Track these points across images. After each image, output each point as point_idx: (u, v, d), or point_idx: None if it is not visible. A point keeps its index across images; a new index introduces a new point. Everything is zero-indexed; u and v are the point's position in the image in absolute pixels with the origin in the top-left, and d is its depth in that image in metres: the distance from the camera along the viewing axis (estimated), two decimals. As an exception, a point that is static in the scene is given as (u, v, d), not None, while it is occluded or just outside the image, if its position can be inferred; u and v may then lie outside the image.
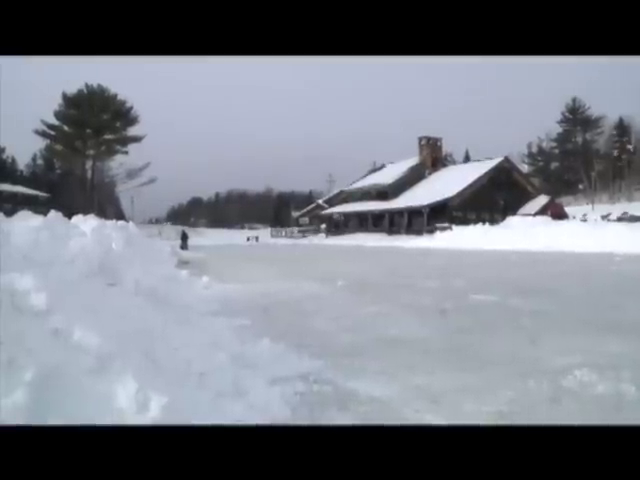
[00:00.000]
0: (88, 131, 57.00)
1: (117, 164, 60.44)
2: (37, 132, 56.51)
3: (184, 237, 32.28)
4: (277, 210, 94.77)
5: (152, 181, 61.14)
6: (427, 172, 46.50)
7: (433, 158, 47.39)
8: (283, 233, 63.61)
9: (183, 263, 14.44)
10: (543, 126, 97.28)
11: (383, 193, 45.25)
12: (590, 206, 54.03)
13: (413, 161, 47.85)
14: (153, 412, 1.97)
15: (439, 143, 48.64)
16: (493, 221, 31.64)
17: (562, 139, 79.57)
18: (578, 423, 2.37)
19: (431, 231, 32.87)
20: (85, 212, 10.16)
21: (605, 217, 37.29)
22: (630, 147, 70.17)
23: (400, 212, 41.06)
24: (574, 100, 78.07)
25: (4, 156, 71.44)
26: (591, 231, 19.05)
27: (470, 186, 38.44)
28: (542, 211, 36.53)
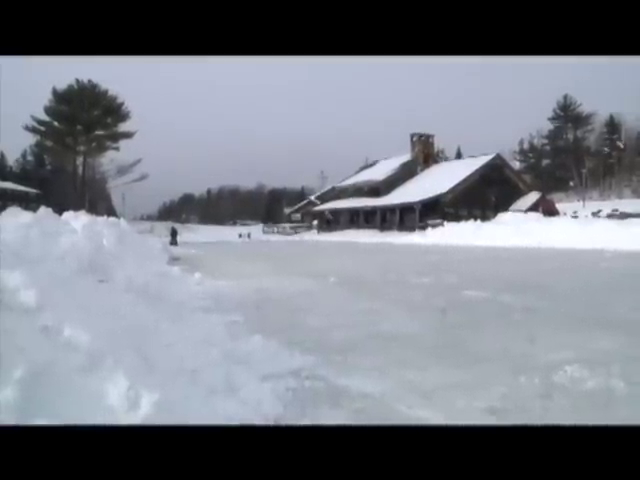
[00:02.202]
0: (79, 127, 56.56)
1: (108, 160, 60.15)
2: (27, 128, 56.06)
3: (173, 233, 32.37)
4: (269, 207, 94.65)
5: (143, 177, 60.86)
6: (419, 169, 46.55)
7: (425, 155, 47.44)
8: (275, 230, 63.53)
9: (174, 260, 14.40)
10: (534, 123, 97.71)
11: (375, 189, 45.25)
12: (581, 203, 54.35)
13: (405, 158, 47.87)
14: (144, 409, 1.96)
15: (431, 140, 48.69)
16: (485, 217, 31.71)
17: (553, 136, 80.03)
18: (569, 418, 2.39)
19: (423, 227, 32.92)
20: (76, 209, 10.10)
21: (596, 214, 37.54)
22: (620, 144, 70.65)
23: (392, 208, 41.09)
24: (565, 97, 78.56)
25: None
26: (582, 228, 19.16)
27: (462, 183, 38.53)
28: (533, 208, 36.66)
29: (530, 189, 42.89)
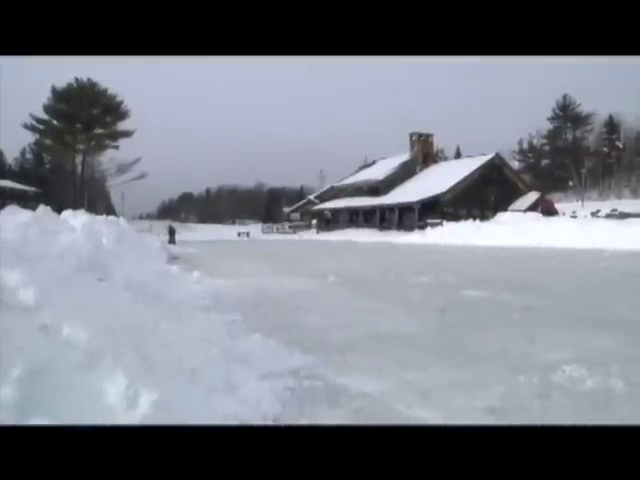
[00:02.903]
0: (78, 125, 56.46)
1: (107, 159, 60.17)
2: (26, 126, 55.96)
3: (171, 232, 32.43)
4: (268, 206, 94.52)
5: (142, 176, 60.81)
6: (418, 168, 46.51)
7: (424, 154, 47.40)
8: (274, 229, 63.56)
9: (173, 258, 14.39)
10: (534, 123, 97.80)
11: (374, 189, 45.23)
12: (580, 203, 54.36)
13: (404, 157, 47.84)
14: (143, 408, 1.96)
15: (430, 139, 48.65)
16: (484, 217, 31.73)
17: (553, 136, 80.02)
18: (568, 418, 2.39)
19: (422, 227, 32.91)
20: (75, 207, 10.10)
21: (594, 214, 37.50)
22: (619, 144, 70.71)
23: (391, 208, 41.06)
24: (565, 97, 78.55)
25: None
26: (581, 227, 19.18)
27: (461, 182, 38.49)
28: (533, 207, 36.69)
29: (529, 189, 42.87)
